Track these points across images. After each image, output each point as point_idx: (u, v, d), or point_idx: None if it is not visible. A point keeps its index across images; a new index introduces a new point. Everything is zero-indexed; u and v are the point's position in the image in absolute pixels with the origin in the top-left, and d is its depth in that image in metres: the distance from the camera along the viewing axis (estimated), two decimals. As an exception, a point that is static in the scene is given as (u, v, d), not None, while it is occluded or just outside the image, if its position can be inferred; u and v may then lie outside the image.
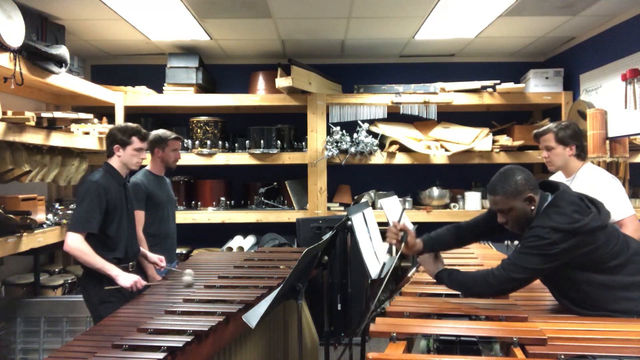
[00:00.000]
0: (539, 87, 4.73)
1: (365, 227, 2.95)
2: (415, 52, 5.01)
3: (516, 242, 4.53)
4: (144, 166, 3.38)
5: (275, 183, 4.92)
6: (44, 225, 3.46)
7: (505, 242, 4.57)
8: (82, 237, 2.62)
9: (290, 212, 4.69)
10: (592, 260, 2.00)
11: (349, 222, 2.73)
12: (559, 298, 2.16)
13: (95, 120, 4.09)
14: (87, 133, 3.87)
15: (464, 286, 2.15)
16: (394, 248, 2.37)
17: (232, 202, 4.93)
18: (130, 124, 2.90)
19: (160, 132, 3.45)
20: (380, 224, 3.38)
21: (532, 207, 2.07)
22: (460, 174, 5.13)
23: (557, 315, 2.08)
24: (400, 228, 2.32)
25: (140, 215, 3.20)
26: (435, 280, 2.25)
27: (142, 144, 2.89)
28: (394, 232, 2.32)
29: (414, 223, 4.13)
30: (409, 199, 4.87)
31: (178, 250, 4.40)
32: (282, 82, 4.44)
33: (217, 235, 4.95)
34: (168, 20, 3.93)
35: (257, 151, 4.62)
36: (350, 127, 4.70)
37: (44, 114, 3.29)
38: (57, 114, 3.46)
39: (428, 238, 2.41)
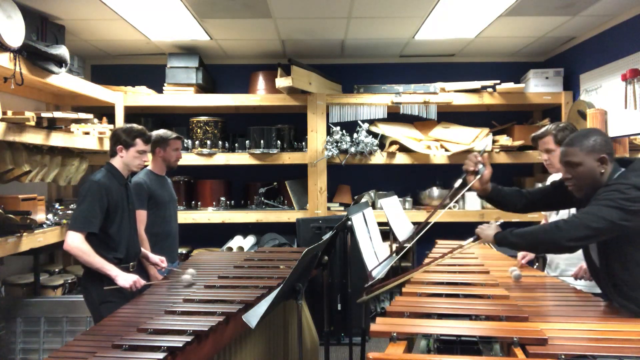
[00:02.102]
0: (539, 87, 4.73)
1: (365, 227, 2.94)
2: (415, 52, 5.02)
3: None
4: (146, 166, 3.38)
5: (275, 183, 4.92)
6: (44, 225, 3.45)
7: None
8: (82, 237, 2.62)
9: (290, 212, 4.69)
10: None
11: (349, 222, 2.72)
12: (602, 275, 2.15)
13: (95, 120, 4.09)
14: (87, 133, 3.87)
15: (531, 236, 2.10)
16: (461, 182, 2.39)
17: (232, 202, 4.93)
18: (135, 126, 2.90)
19: (162, 132, 3.46)
20: (380, 224, 3.37)
21: (602, 171, 2.06)
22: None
23: (557, 315, 2.08)
24: (481, 160, 2.32)
25: (142, 215, 3.21)
26: (497, 243, 2.21)
27: (145, 147, 2.90)
28: (472, 160, 2.33)
29: (414, 223, 4.13)
30: (409, 199, 4.88)
31: (178, 250, 4.40)
32: (282, 82, 4.44)
33: (217, 235, 4.95)
34: (168, 20, 3.93)
35: (257, 151, 4.62)
36: (350, 127, 4.70)
37: (44, 114, 3.29)
38: (57, 114, 3.46)
39: (496, 187, 2.43)
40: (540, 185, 4.71)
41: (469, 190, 2.46)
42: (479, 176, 2.32)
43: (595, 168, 2.06)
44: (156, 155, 3.44)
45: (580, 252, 2.78)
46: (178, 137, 3.48)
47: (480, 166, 2.33)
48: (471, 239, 2.33)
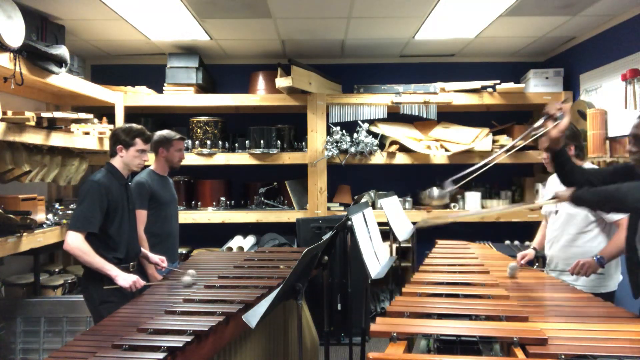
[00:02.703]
0: (539, 87, 4.73)
1: (365, 227, 2.95)
2: (415, 52, 5.01)
3: (517, 242, 4.53)
4: (148, 166, 3.38)
5: (275, 183, 4.92)
6: (44, 225, 3.46)
7: (506, 242, 4.57)
8: (82, 237, 2.62)
9: (290, 212, 4.69)
10: None
11: (349, 222, 2.73)
12: None
13: (95, 120, 4.09)
14: (87, 133, 3.87)
15: (603, 192, 2.11)
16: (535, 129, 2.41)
17: (232, 202, 4.93)
18: (134, 125, 2.91)
19: (165, 132, 3.46)
20: (380, 224, 3.38)
21: None
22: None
23: (557, 315, 2.08)
24: (563, 108, 2.32)
25: (142, 215, 3.21)
26: (572, 202, 2.22)
27: (145, 146, 2.90)
28: (554, 107, 2.33)
29: (414, 223, 4.14)
30: (409, 199, 4.88)
31: (178, 250, 4.40)
32: (282, 82, 4.44)
33: (217, 235, 4.95)
34: (168, 20, 3.93)
35: (257, 151, 4.62)
36: (350, 127, 4.70)
37: (44, 114, 3.29)
38: (57, 114, 3.46)
39: (565, 148, 2.42)
40: (540, 185, 4.72)
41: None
42: (557, 122, 2.31)
43: None
44: (159, 156, 3.44)
45: (580, 251, 2.80)
46: (182, 137, 3.49)
47: (560, 114, 2.32)
48: (549, 198, 2.32)
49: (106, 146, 4.01)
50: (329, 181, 4.67)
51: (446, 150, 4.73)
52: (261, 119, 5.10)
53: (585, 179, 2.40)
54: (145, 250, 3.12)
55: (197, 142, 4.69)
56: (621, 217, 2.66)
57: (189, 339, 1.85)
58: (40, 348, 3.59)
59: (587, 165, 2.84)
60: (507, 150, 2.63)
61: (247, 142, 4.68)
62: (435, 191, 4.86)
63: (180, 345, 1.80)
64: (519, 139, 2.60)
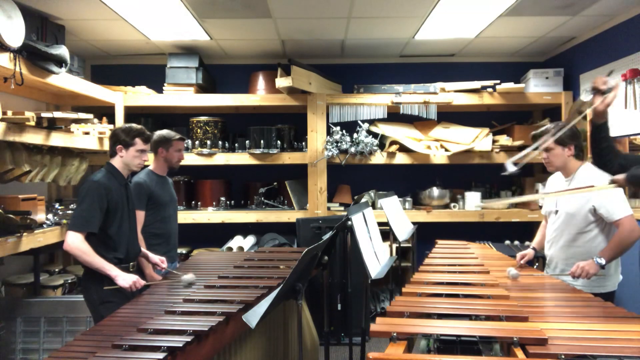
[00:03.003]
0: (539, 87, 4.73)
1: (365, 227, 2.95)
2: (415, 52, 5.02)
3: (517, 242, 4.53)
4: (147, 166, 3.38)
5: (275, 183, 4.92)
6: (44, 225, 3.46)
7: (506, 242, 4.57)
8: (82, 237, 2.62)
9: (290, 212, 4.69)
10: None
11: (349, 222, 2.73)
12: None
13: (95, 120, 4.09)
14: (87, 133, 3.87)
15: None
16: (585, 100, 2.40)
17: (232, 202, 4.93)
18: (134, 125, 2.91)
19: (165, 132, 3.46)
20: (380, 224, 3.38)
21: None
22: (460, 174, 5.13)
23: (557, 315, 2.08)
24: (609, 83, 2.29)
25: (139, 215, 3.20)
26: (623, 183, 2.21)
27: (145, 146, 2.90)
28: (602, 80, 2.31)
29: (414, 223, 4.14)
30: (409, 199, 4.88)
31: (178, 250, 4.40)
32: (282, 82, 4.44)
33: (217, 235, 4.96)
34: (168, 20, 3.93)
35: (257, 151, 4.62)
36: (350, 127, 4.70)
37: (44, 114, 3.29)
38: (57, 114, 3.46)
39: (608, 123, 2.39)
40: (540, 185, 4.72)
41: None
42: (605, 94, 2.30)
43: None
44: (158, 156, 3.44)
45: (580, 251, 2.79)
46: (181, 138, 3.48)
47: (607, 87, 2.30)
48: (606, 183, 2.31)
49: (106, 146, 4.01)
50: (329, 181, 4.67)
51: (446, 150, 4.73)
52: (261, 119, 5.10)
53: (618, 163, 2.38)
54: (145, 250, 3.12)
55: (197, 142, 4.69)
56: (621, 217, 2.66)
57: (189, 339, 1.85)
58: (40, 348, 3.59)
59: (588, 165, 2.84)
60: (561, 128, 2.66)
61: (247, 142, 4.68)
62: (435, 191, 4.86)
63: (180, 345, 1.80)
64: (577, 110, 2.60)
